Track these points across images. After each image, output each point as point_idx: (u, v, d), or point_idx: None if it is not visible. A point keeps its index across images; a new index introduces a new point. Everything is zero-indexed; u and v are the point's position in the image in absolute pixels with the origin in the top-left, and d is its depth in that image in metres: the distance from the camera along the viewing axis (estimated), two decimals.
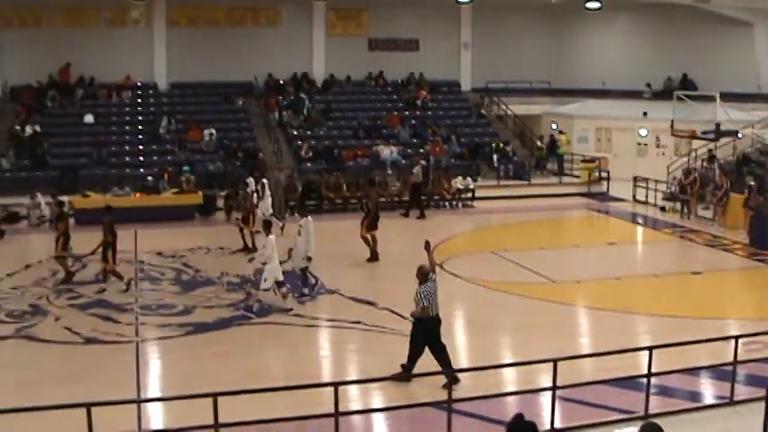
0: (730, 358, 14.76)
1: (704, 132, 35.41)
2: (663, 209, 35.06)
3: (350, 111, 43.48)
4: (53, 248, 23.20)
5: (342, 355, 17.98)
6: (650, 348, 14.29)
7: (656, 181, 36.01)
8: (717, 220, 31.97)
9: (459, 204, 36.49)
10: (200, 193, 33.22)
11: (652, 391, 14.12)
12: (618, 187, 38.71)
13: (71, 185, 33.58)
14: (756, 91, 39.78)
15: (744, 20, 40.29)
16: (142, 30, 43.29)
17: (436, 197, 36.44)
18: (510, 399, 14.52)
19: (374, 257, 25.56)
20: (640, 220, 34.28)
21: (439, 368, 15.08)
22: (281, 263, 21.42)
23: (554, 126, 45.78)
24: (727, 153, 37.19)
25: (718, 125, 34.77)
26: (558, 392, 13.52)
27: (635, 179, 37.38)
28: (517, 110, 45.69)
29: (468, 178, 37.10)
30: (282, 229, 28.59)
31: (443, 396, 13.00)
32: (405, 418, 14.06)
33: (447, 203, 36.52)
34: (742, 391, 14.76)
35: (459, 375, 14.97)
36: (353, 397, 14.72)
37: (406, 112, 43.60)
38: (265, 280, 20.37)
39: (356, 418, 13.87)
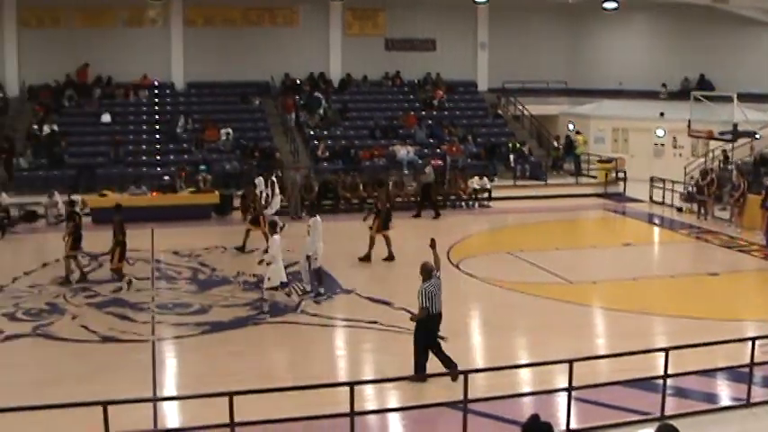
0: (747, 360, 14.69)
1: (721, 133, 35.25)
2: (680, 209, 34.95)
3: (366, 111, 43.50)
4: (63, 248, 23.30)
5: (357, 354, 17.99)
6: (666, 350, 14.23)
7: (673, 182, 35.89)
8: (734, 221, 31.85)
9: (476, 204, 36.45)
10: (216, 192, 33.29)
11: (668, 392, 14.07)
12: (634, 188, 38.58)
13: (88, 184, 33.74)
14: None
15: (762, 20, 40.08)
16: (159, 29, 43.44)
17: (452, 197, 36.46)
18: (526, 399, 14.52)
19: (390, 257, 25.50)
20: (657, 221, 34.19)
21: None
22: (294, 263, 21.44)
23: (570, 126, 45.71)
24: (745, 154, 37.01)
25: (735, 126, 34.61)
26: (574, 393, 13.48)
27: (652, 180, 37.31)
28: (534, 110, 45.61)
29: (485, 178, 37.03)
30: (281, 228, 28.61)
31: (459, 396, 12.98)
32: (420, 418, 14.05)
33: (463, 203, 36.50)
34: (759, 393, 14.69)
35: (476, 376, 14.93)
36: (369, 397, 14.73)
37: (423, 112, 43.57)
38: (269, 279, 20.35)
39: (371, 417, 13.88)
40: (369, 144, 40.21)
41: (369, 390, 14.99)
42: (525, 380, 15.60)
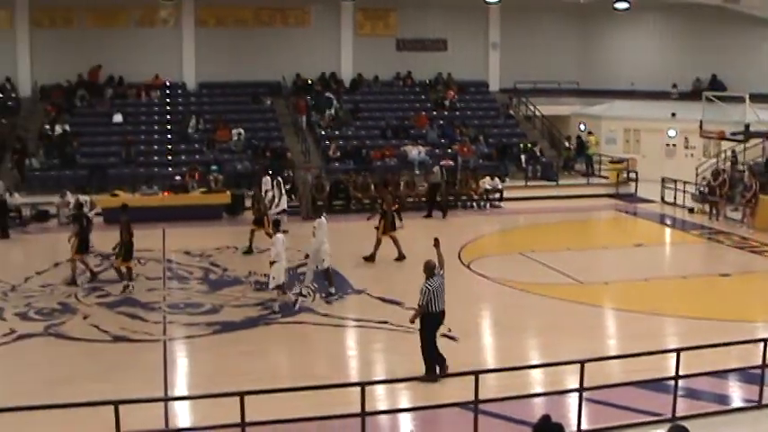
0: (758, 361, 14.67)
1: (733, 133, 35.18)
2: (691, 210, 34.85)
3: (378, 111, 43.50)
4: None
5: (368, 354, 18.01)
6: (678, 350, 14.20)
7: (685, 182, 35.81)
8: (746, 221, 31.77)
9: (487, 205, 36.39)
10: (227, 192, 33.31)
11: (679, 393, 14.05)
12: (646, 188, 38.51)
13: (100, 184, 33.80)
14: None
15: None
16: (171, 30, 43.54)
17: (464, 197, 36.45)
18: (537, 400, 14.51)
19: (400, 257, 25.49)
20: (668, 222, 34.12)
21: (462, 369, 15.03)
22: (303, 264, 21.44)
23: (582, 127, 45.66)
24: (757, 154, 36.92)
25: (747, 126, 34.52)
26: (585, 394, 13.47)
27: (663, 180, 37.23)
28: (545, 110, 45.51)
29: (496, 179, 36.96)
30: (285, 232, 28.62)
31: (470, 397, 12.99)
32: (431, 418, 14.06)
33: (475, 204, 36.48)
34: None
35: (487, 376, 14.88)
36: (380, 397, 14.75)
37: (434, 113, 43.56)
38: (273, 278, 20.37)
39: (382, 418, 13.90)
40: (380, 144, 40.19)
41: (380, 390, 15.00)
42: (536, 380, 15.58)
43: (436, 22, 46.61)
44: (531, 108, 45.85)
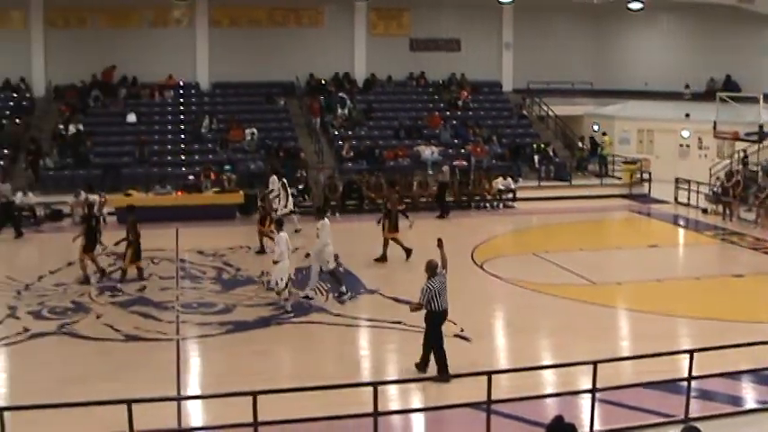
0: None
1: (747, 134, 35.09)
2: (705, 211, 34.75)
3: (391, 111, 43.49)
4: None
5: (381, 354, 18.01)
6: (691, 351, 14.16)
7: (699, 183, 35.74)
8: (759, 222, 31.69)
9: (500, 205, 36.38)
10: (241, 192, 33.34)
11: (692, 394, 14.00)
12: (659, 189, 38.45)
13: (113, 184, 33.86)
14: None
15: None
16: (184, 30, 43.63)
17: (477, 198, 36.43)
18: (549, 400, 14.49)
19: (407, 254, 25.52)
20: (682, 223, 34.02)
21: (475, 369, 15.03)
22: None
23: (595, 128, 45.59)
24: None
25: (761, 126, 34.45)
26: (598, 395, 13.46)
27: (677, 181, 37.15)
28: (559, 111, 45.49)
29: (509, 179, 36.95)
30: (297, 231, 28.70)
31: (482, 397, 12.97)
32: (443, 418, 14.07)
33: (488, 204, 36.45)
34: None
35: (500, 376, 14.87)
36: (392, 397, 14.75)
37: (448, 113, 43.54)
38: (281, 279, 20.38)
39: (394, 418, 13.89)
40: (393, 144, 40.18)
41: (392, 390, 15.00)
42: (549, 381, 15.56)
43: (449, 22, 46.58)
44: (545, 108, 45.82)
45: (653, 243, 29.55)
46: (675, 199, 37.07)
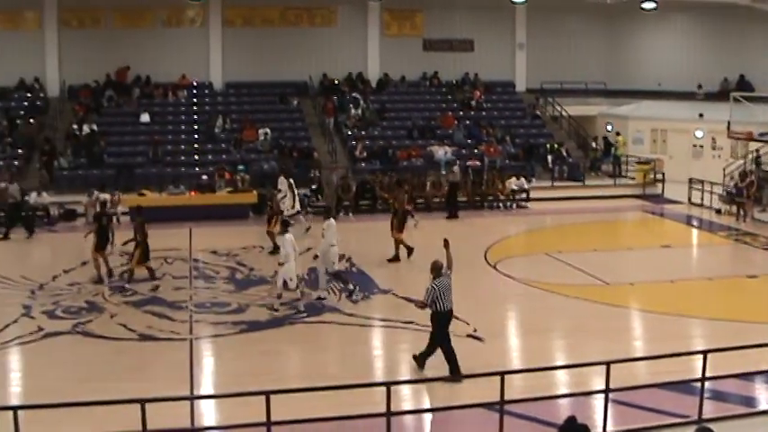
0: None
1: (761, 134, 34.99)
2: (718, 211, 34.65)
3: (404, 111, 43.48)
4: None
5: (393, 354, 17.98)
6: (704, 352, 14.12)
7: (712, 183, 35.65)
8: None
9: (514, 205, 36.36)
10: (254, 192, 33.38)
11: (706, 395, 13.97)
12: (673, 189, 38.36)
13: (127, 184, 33.98)
14: None
15: None
16: (198, 30, 43.70)
17: (490, 198, 36.41)
18: (562, 401, 14.48)
19: (409, 252, 25.57)
20: (695, 223, 33.92)
21: (488, 370, 15.01)
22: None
23: (609, 128, 45.50)
24: None
25: None
26: (611, 395, 13.43)
27: (690, 181, 37.06)
28: (572, 111, 45.43)
29: (523, 179, 36.93)
30: (307, 230, 28.71)
31: (495, 397, 12.96)
32: (456, 419, 14.06)
33: (501, 204, 36.43)
34: None
35: (513, 377, 14.87)
36: (405, 397, 14.77)
37: (461, 113, 43.52)
38: (291, 279, 20.38)
39: (407, 418, 13.91)
40: (406, 144, 40.18)
41: (405, 390, 15.02)
42: (562, 381, 15.54)
43: (463, 22, 46.56)
44: (558, 108, 45.76)
45: (666, 243, 29.47)
46: (689, 199, 36.96)
